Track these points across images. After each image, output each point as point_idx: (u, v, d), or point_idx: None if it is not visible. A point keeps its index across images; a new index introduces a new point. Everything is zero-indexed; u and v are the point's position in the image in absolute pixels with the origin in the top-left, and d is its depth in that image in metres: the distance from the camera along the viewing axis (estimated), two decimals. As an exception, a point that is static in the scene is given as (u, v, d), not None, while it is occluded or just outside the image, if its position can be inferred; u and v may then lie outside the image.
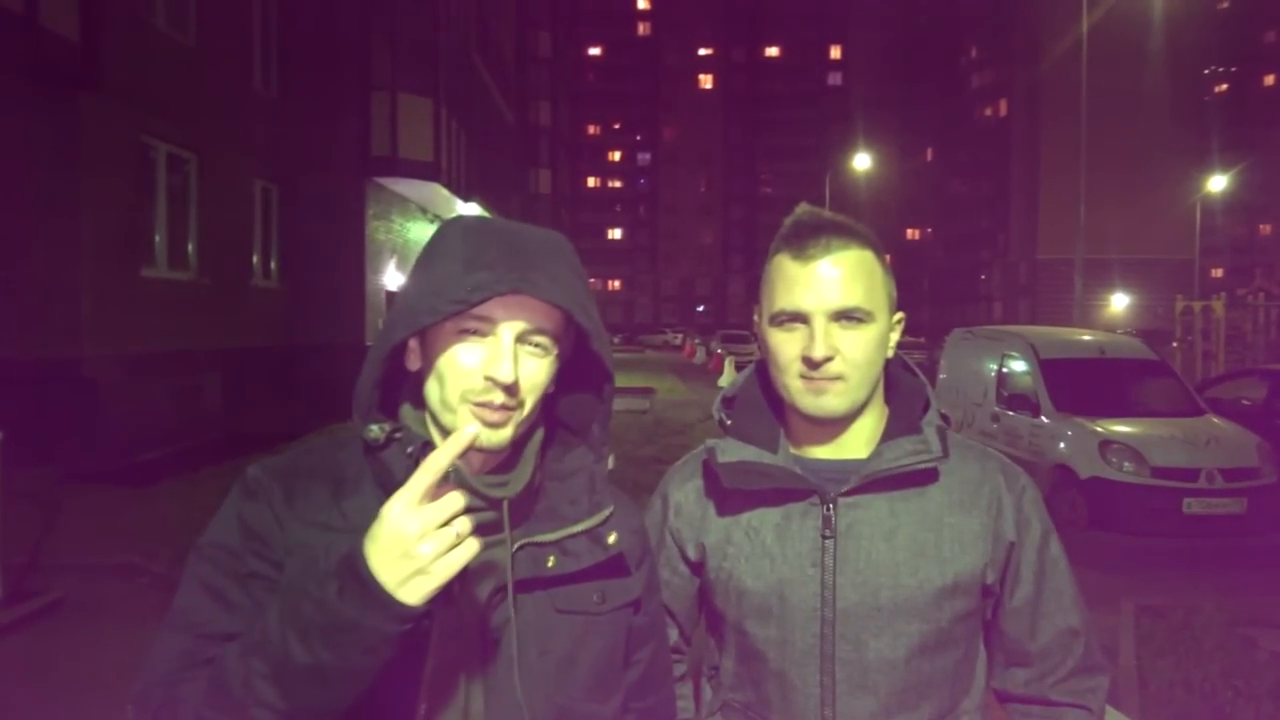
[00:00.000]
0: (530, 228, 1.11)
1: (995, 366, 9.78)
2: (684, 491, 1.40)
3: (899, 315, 1.32)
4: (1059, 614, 1.31)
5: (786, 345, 1.26)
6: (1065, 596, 1.32)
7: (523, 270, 1.02)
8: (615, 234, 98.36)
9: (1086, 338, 10.29)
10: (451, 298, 1.01)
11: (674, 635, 1.41)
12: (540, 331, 1.05)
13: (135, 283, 10.28)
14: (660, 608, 1.29)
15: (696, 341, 45.03)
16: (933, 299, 67.43)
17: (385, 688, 0.98)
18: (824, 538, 1.27)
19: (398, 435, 1.07)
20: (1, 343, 8.76)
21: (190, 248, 11.75)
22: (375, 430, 1.06)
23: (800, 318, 1.24)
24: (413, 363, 1.08)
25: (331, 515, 1.05)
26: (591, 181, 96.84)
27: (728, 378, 18.14)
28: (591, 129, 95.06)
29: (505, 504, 1.05)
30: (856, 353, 1.23)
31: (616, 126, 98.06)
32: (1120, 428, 8.15)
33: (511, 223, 1.12)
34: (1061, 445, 8.39)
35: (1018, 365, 9.45)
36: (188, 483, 8.67)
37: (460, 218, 1.12)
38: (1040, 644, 1.31)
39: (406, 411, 1.11)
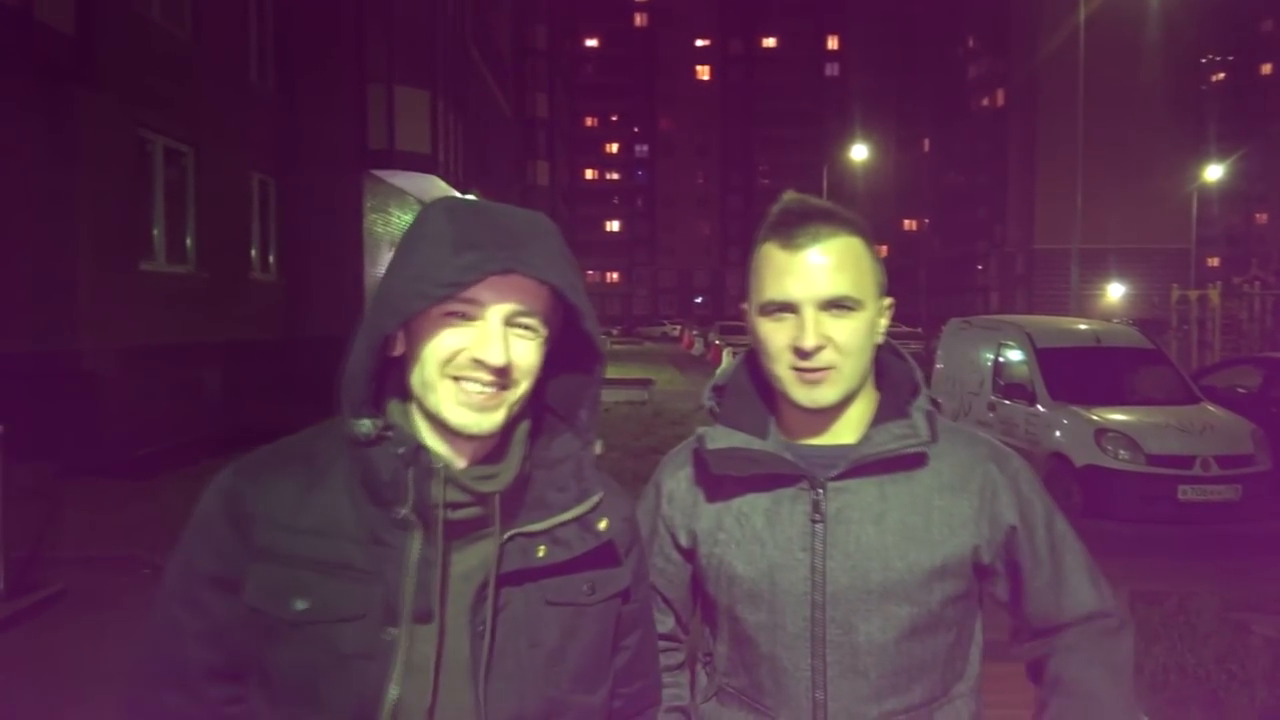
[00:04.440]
0: (514, 208, 1.08)
1: (992, 356, 9.80)
2: (676, 479, 1.41)
3: (888, 301, 1.32)
4: (1081, 588, 1.30)
5: (776, 335, 1.26)
6: (1083, 569, 1.31)
7: (513, 249, 0.99)
8: (613, 226, 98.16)
9: (1082, 327, 10.31)
10: (442, 281, 0.98)
11: (670, 623, 1.41)
12: (530, 313, 1.03)
13: (133, 276, 10.27)
14: (649, 594, 1.28)
15: (695, 333, 44.91)
16: (930, 289, 67.38)
17: (345, 694, 0.99)
18: (813, 522, 1.27)
19: (389, 434, 1.04)
20: (1, 336, 8.76)
21: (188, 241, 11.74)
22: (367, 425, 1.02)
23: (789, 307, 1.24)
24: (397, 348, 1.06)
25: (296, 515, 1.04)
26: (589, 174, 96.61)
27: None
28: (589, 121, 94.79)
29: (496, 498, 1.04)
30: (847, 341, 1.23)
31: (614, 119, 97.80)
32: (1116, 416, 8.18)
33: (494, 203, 1.09)
34: (1057, 434, 8.43)
35: (1014, 354, 9.48)
36: (188, 476, 8.67)
37: (441, 199, 1.09)
38: (1068, 617, 1.30)
39: (394, 407, 1.08)
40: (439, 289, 0.98)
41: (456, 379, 1.01)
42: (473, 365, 1.01)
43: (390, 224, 17.61)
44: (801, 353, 1.23)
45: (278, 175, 14.33)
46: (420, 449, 1.03)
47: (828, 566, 1.26)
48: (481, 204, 1.08)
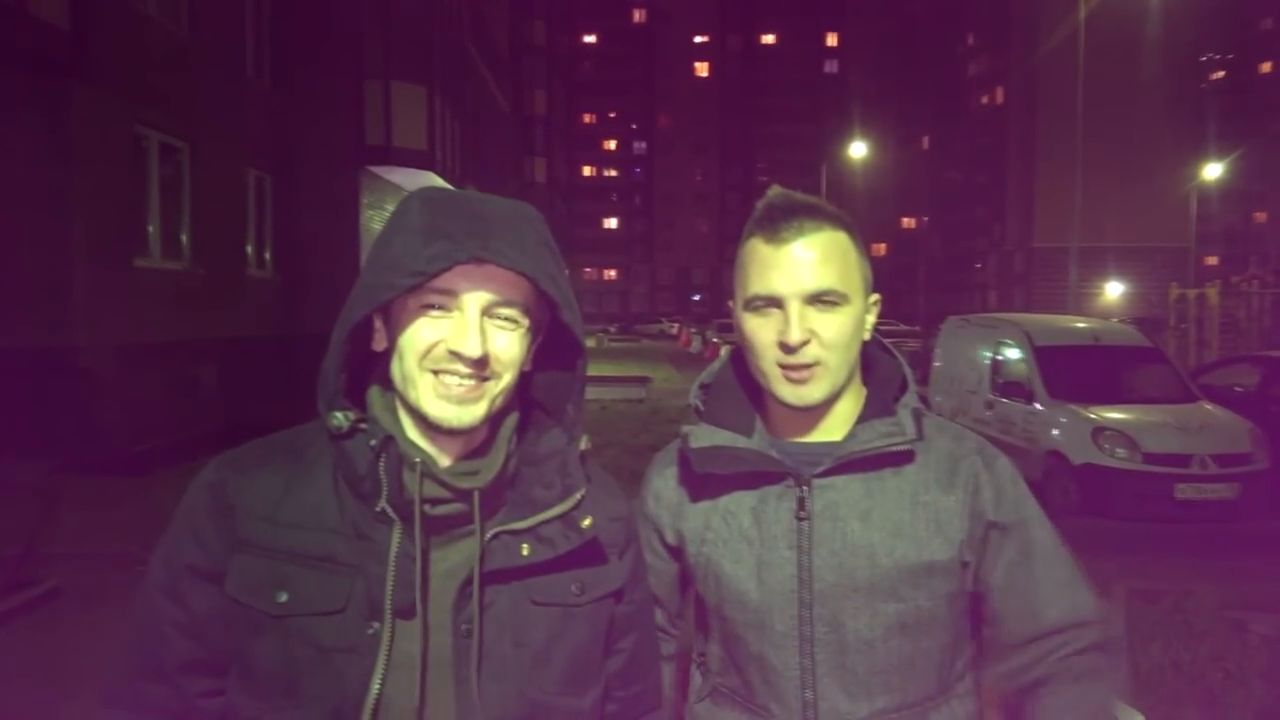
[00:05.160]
0: (495, 197, 1.07)
1: (990, 354, 9.80)
2: (664, 478, 1.40)
3: (875, 297, 1.31)
4: (1059, 596, 1.25)
5: (762, 330, 1.25)
6: (1061, 576, 1.27)
7: (484, 238, 0.97)
8: (611, 223, 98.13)
9: (1081, 325, 10.32)
10: (410, 270, 0.97)
11: (660, 617, 1.40)
12: (508, 303, 1.01)
13: (129, 273, 10.25)
14: (647, 595, 1.27)
15: (692, 331, 44.88)
16: (928, 287, 67.35)
17: (333, 689, 0.99)
18: (799, 519, 1.26)
19: (362, 426, 1.03)
20: (-4, 333, 8.74)
21: (184, 238, 11.71)
22: (339, 418, 1.02)
23: (775, 302, 1.23)
24: (378, 342, 1.05)
25: (279, 507, 1.04)
26: (587, 170, 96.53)
27: (723, 366, 18.08)
28: (587, 118, 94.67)
29: (475, 495, 1.02)
30: (833, 335, 1.22)
31: (612, 115, 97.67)
32: (1113, 414, 8.18)
33: (476, 193, 1.08)
34: (1055, 432, 8.43)
35: (1012, 353, 9.48)
36: (184, 473, 8.57)
37: (421, 189, 1.08)
38: (1044, 628, 1.25)
39: (374, 396, 1.07)
40: (406, 278, 0.97)
41: (435, 372, 1.00)
42: (450, 358, 0.99)
43: (387, 220, 17.61)
44: (787, 347, 1.22)
45: (274, 171, 14.30)
46: (391, 440, 1.02)
47: (814, 564, 1.25)
48: (460, 193, 1.06)
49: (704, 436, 1.32)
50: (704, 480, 1.33)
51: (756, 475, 1.29)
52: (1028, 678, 1.25)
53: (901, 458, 1.27)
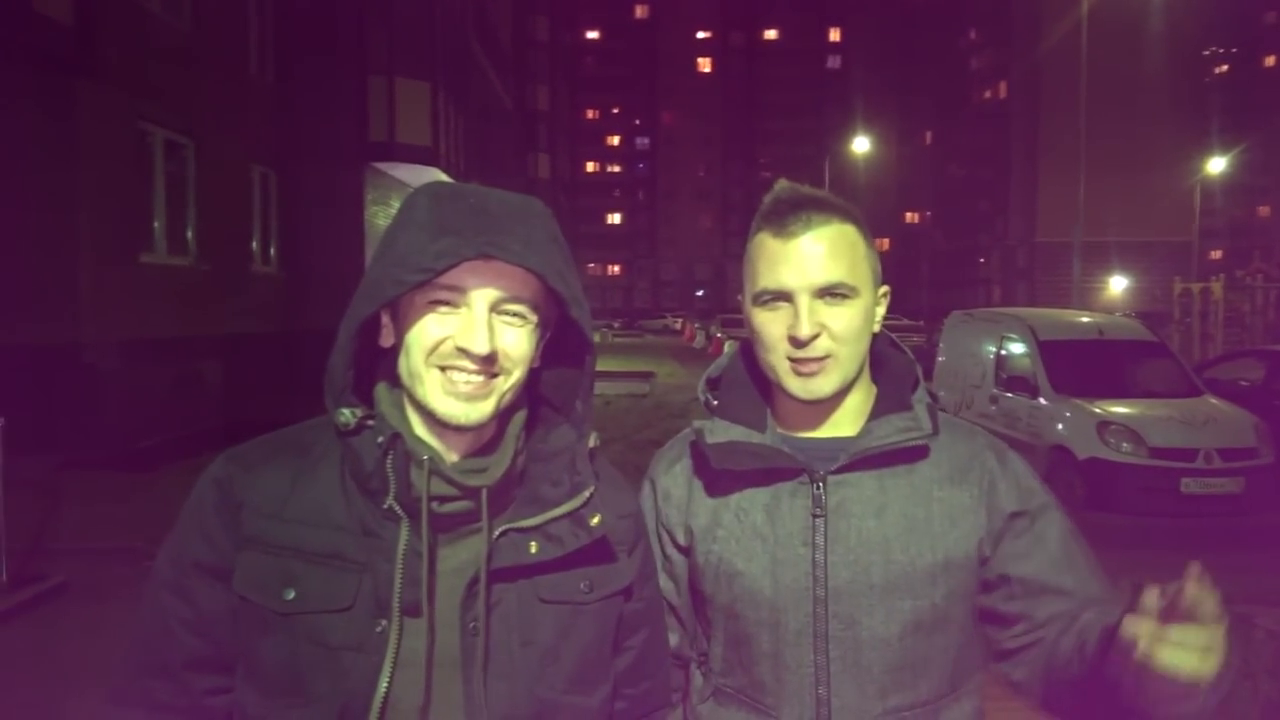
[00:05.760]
0: (503, 192, 1.05)
1: (994, 349, 9.78)
2: (671, 475, 1.39)
3: (884, 289, 1.30)
4: (1092, 576, 1.26)
5: (771, 325, 1.24)
6: (1090, 561, 1.28)
7: (492, 234, 0.96)
8: (614, 219, 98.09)
9: (1085, 319, 10.30)
10: (417, 266, 0.96)
11: (675, 639, 1.38)
12: (516, 299, 1.00)
13: (134, 268, 10.26)
14: (656, 593, 1.27)
15: (696, 326, 44.85)
16: (931, 282, 67.17)
17: (341, 687, 0.98)
18: (814, 516, 1.25)
19: (369, 422, 1.03)
20: (1, 328, 8.75)
21: (189, 234, 11.73)
22: (346, 415, 1.02)
23: (784, 296, 1.23)
24: (385, 338, 1.04)
25: (285, 504, 1.03)
26: (590, 166, 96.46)
27: (727, 362, 18.09)
28: (590, 114, 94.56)
29: (483, 493, 1.02)
30: (843, 328, 1.22)
31: (615, 111, 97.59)
32: (1118, 409, 8.17)
33: (483, 188, 1.06)
34: (1060, 426, 8.41)
35: (1016, 347, 9.46)
36: (188, 468, 8.64)
37: (429, 184, 1.06)
38: (1078, 599, 1.23)
39: (382, 392, 1.06)
40: (413, 275, 0.96)
41: (443, 369, 0.99)
42: (458, 354, 0.98)
43: (391, 216, 17.61)
44: (797, 341, 1.21)
45: (278, 167, 14.29)
46: (398, 437, 1.01)
47: (829, 561, 1.24)
48: (468, 188, 1.05)
49: (719, 431, 1.31)
50: (714, 476, 1.32)
51: (770, 471, 1.28)
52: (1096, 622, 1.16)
53: (916, 453, 1.27)
